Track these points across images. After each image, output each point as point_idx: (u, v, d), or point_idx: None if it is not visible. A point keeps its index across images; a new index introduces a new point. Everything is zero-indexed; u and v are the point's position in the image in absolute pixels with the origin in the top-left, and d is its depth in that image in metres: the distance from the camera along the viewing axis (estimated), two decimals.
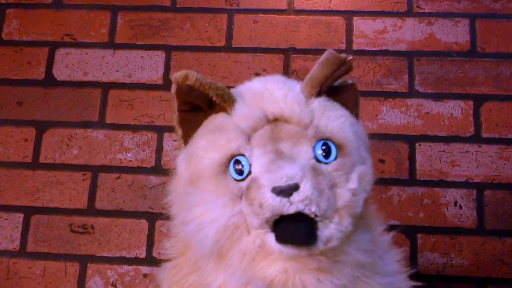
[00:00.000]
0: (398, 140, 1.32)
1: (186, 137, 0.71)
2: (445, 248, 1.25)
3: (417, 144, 1.32)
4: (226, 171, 0.66)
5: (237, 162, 0.66)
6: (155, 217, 1.29)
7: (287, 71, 1.36)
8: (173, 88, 0.67)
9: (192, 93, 0.66)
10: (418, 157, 1.31)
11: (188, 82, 0.65)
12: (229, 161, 0.66)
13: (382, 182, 1.29)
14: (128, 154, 1.35)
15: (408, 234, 1.26)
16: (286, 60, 1.37)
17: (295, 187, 0.61)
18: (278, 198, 0.61)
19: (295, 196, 0.61)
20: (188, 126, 0.71)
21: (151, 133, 1.37)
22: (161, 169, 1.32)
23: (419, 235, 1.26)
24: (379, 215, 0.80)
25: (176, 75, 0.66)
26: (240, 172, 0.66)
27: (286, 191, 0.61)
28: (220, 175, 0.66)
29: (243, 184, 0.65)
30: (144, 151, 1.35)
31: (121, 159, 1.35)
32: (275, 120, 0.67)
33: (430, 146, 1.32)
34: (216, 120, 0.69)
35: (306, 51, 1.38)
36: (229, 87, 0.71)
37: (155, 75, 1.40)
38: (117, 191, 1.32)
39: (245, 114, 0.67)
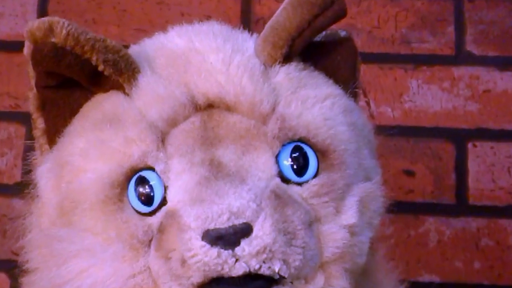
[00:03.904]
0: (437, 138, 1.18)
1: (53, 134, 0.65)
2: None
3: (469, 145, 1.17)
4: (122, 197, 0.59)
5: (142, 181, 0.59)
6: (20, 269, 1.05)
7: (248, 19, 1.24)
8: (27, 48, 0.62)
9: (62, 58, 0.60)
10: (472, 166, 1.17)
11: (53, 40, 0.59)
12: (128, 180, 0.59)
13: (410, 209, 1.14)
14: None
15: None
16: (246, 1, 1.26)
17: (245, 231, 0.54)
18: (215, 250, 0.54)
19: (245, 247, 0.54)
20: (55, 114, 0.65)
21: (14, 125, 1.23)
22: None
23: None
24: (390, 267, 0.74)
25: (31, 27, 0.60)
26: (147, 200, 0.59)
27: (228, 238, 0.54)
28: (112, 204, 0.59)
29: (153, 220, 0.59)
30: (3, 156, 1.22)
31: None
32: (209, 107, 0.61)
33: (491, 147, 1.17)
34: (105, 104, 0.64)
35: None
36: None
37: (21, 26, 1.25)
38: None
39: (156, 95, 0.61)
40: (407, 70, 1.20)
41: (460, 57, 1.20)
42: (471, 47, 1.20)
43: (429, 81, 1.20)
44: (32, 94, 0.66)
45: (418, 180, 1.16)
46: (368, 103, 1.17)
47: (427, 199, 1.16)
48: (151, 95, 0.61)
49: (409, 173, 1.17)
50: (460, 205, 1.16)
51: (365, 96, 1.17)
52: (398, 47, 1.20)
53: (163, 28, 0.81)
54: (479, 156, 1.17)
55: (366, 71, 1.14)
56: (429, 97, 1.19)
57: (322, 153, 0.61)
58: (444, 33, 1.21)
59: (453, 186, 1.16)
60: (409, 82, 1.20)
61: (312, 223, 0.59)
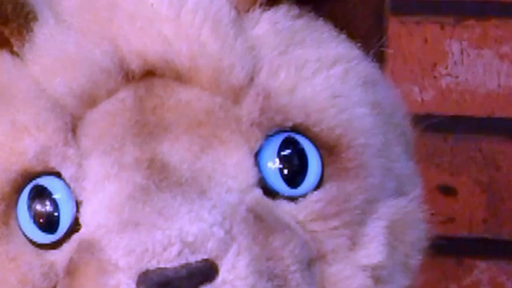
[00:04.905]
0: (491, 135, 1.03)
1: None
2: None
3: None
4: (8, 219, 0.53)
5: (40, 194, 0.53)
6: None
7: None
8: None
9: None
10: None
11: None
12: (18, 191, 0.53)
13: (450, 248, 0.92)
14: None
15: None
16: None
17: (206, 273, 0.48)
18: None
19: None
20: None
21: None
22: None
23: None
24: None
25: None
26: (48, 224, 0.53)
27: (180, 285, 0.48)
28: None
29: (58, 256, 0.51)
30: None
31: None
32: (148, 76, 0.54)
33: None
34: None
35: None
36: None
37: None
38: None
39: (62, 57, 0.56)
40: (444, 25, 1.02)
41: None
42: None
43: (479, 43, 1.00)
44: None
45: (462, 202, 1.00)
46: None
47: (476, 233, 0.99)
48: (54, 56, 0.54)
49: (448, 191, 1.00)
50: None
51: None
52: None
53: None
54: None
55: None
56: (479, 69, 1.00)
57: (329, 151, 0.53)
58: None
59: None
60: (448, 45, 1.01)
61: (312, 261, 0.51)
